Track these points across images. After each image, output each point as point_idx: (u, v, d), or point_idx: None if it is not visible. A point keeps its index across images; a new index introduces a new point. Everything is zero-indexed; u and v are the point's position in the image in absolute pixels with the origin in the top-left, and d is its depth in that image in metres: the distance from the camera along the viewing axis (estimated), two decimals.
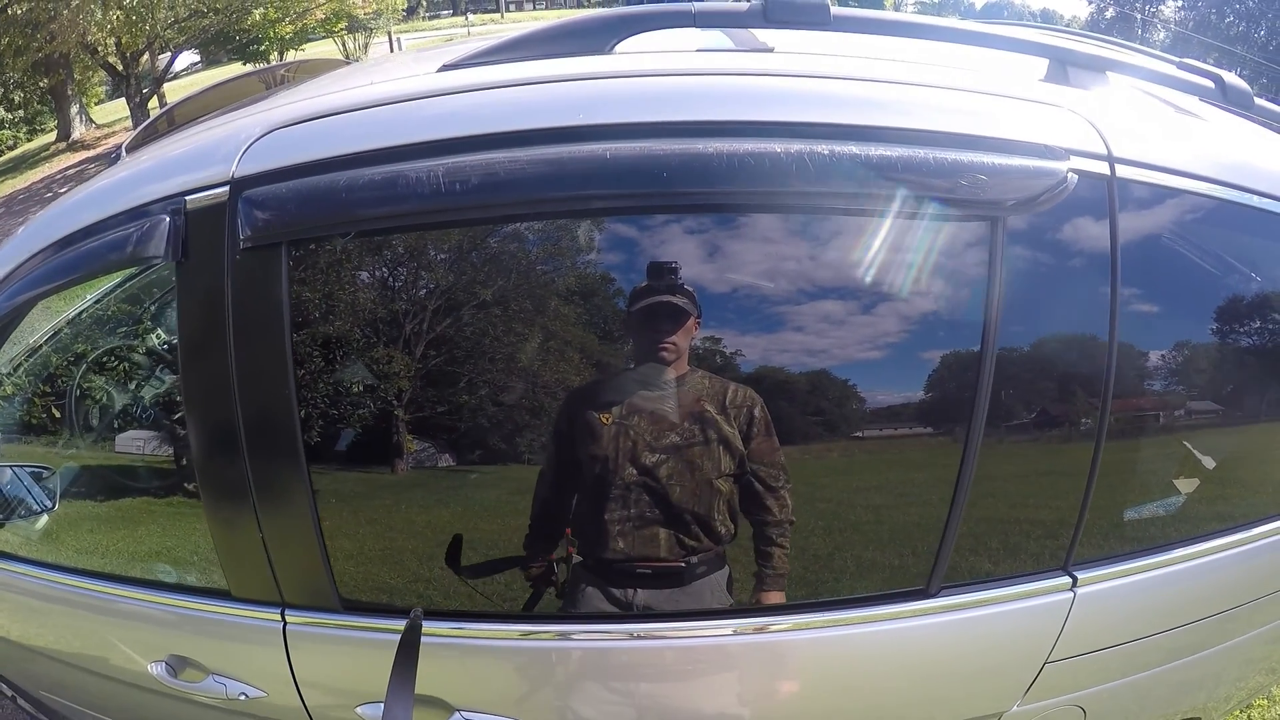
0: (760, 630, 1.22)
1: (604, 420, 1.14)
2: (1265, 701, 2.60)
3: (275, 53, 18.76)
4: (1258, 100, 1.38)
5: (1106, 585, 1.24)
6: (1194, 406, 1.28)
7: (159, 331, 2.01)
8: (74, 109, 22.22)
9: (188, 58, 19.66)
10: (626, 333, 1.15)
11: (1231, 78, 1.36)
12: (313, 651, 1.33)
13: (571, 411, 1.16)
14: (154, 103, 16.51)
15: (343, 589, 1.25)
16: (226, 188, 1.11)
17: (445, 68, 1.19)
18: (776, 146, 0.99)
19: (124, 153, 1.65)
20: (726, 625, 1.23)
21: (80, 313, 2.11)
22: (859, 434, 1.16)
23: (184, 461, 1.55)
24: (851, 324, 1.11)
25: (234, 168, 1.11)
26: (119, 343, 2.02)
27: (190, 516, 1.53)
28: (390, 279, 1.22)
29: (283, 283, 1.10)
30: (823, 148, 1.00)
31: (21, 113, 32.81)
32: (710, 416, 1.13)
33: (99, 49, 15.18)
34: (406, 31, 28.40)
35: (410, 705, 1.11)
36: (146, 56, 16.80)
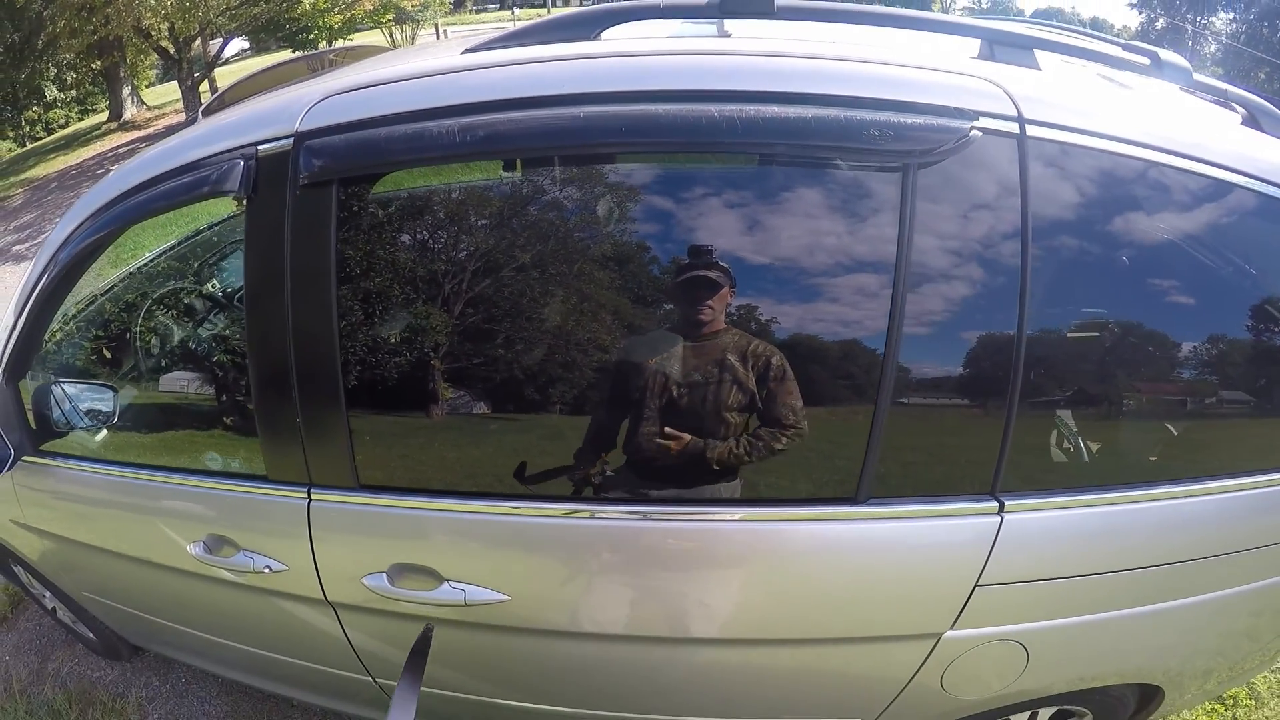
0: (718, 519, 1.44)
1: (651, 362, 1.41)
2: (1251, 702, 2.62)
3: (324, 41, 19.08)
4: (1197, 76, 1.55)
5: (1036, 515, 1.38)
6: (1112, 346, 1.40)
7: (211, 281, 2.41)
8: (126, 90, 22.94)
9: (237, 44, 20.13)
10: (671, 296, 1.40)
11: (1169, 55, 1.53)
12: (331, 526, 1.62)
13: (625, 351, 1.45)
14: (204, 86, 16.89)
15: (362, 471, 1.55)
16: (291, 140, 1.44)
17: (467, 50, 1.50)
18: (713, 108, 1.24)
19: (201, 116, 2.01)
20: (694, 512, 1.45)
21: (142, 263, 2.53)
22: (802, 352, 1.37)
23: (232, 374, 1.96)
24: (804, 258, 1.35)
25: (297, 124, 1.44)
26: (172, 288, 2.46)
27: (236, 415, 1.93)
28: (413, 216, 1.55)
29: (331, 215, 1.42)
30: (754, 109, 1.24)
31: (74, 92, 33.91)
32: (731, 364, 1.37)
33: (153, 33, 15.58)
34: (453, 24, 28.96)
35: (414, 706, 1.37)
36: (199, 42, 17.20)
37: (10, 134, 32.43)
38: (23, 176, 19.14)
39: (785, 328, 1.35)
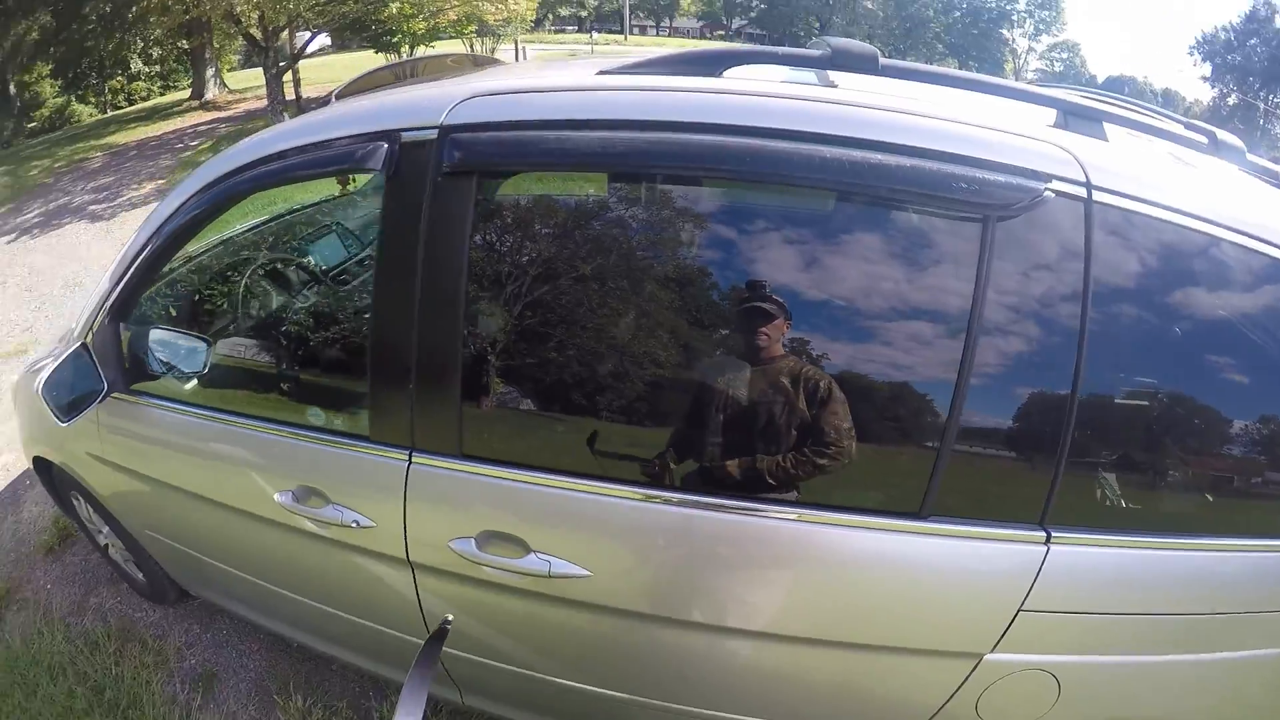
0: (782, 518, 1.55)
1: (721, 378, 1.58)
2: None
3: (406, 46, 19.57)
4: (1251, 158, 1.69)
5: (1080, 550, 1.46)
6: (1161, 410, 1.50)
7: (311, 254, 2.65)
8: (209, 72, 23.77)
9: (319, 40, 20.65)
10: (737, 324, 1.57)
11: (1226, 135, 1.68)
12: (427, 488, 1.75)
13: (704, 366, 1.62)
14: (288, 77, 17.39)
15: (465, 441, 1.70)
16: (436, 131, 1.61)
17: (601, 72, 1.67)
18: (825, 150, 1.41)
19: (334, 98, 2.22)
20: (757, 508, 1.55)
21: (248, 229, 2.75)
22: (877, 379, 1.50)
23: (339, 339, 2.18)
24: (881, 295, 1.48)
25: (443, 118, 1.62)
26: (277, 256, 2.66)
27: (341, 377, 2.14)
28: (541, 216, 1.72)
29: (470, 202, 1.60)
30: (860, 154, 1.39)
31: (158, 68, 35.03)
32: (784, 386, 1.51)
33: (243, 19, 16.09)
34: (531, 42, 29.61)
35: (425, 693, 1.49)
36: (286, 33, 17.71)
37: (92, 100, 33.61)
38: (103, 141, 19.87)
39: (869, 356, 1.49)
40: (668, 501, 1.58)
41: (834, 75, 1.69)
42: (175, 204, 2.09)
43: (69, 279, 9.09)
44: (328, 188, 3.17)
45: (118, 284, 2.24)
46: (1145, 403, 1.48)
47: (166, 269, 2.38)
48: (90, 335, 2.31)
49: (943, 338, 1.44)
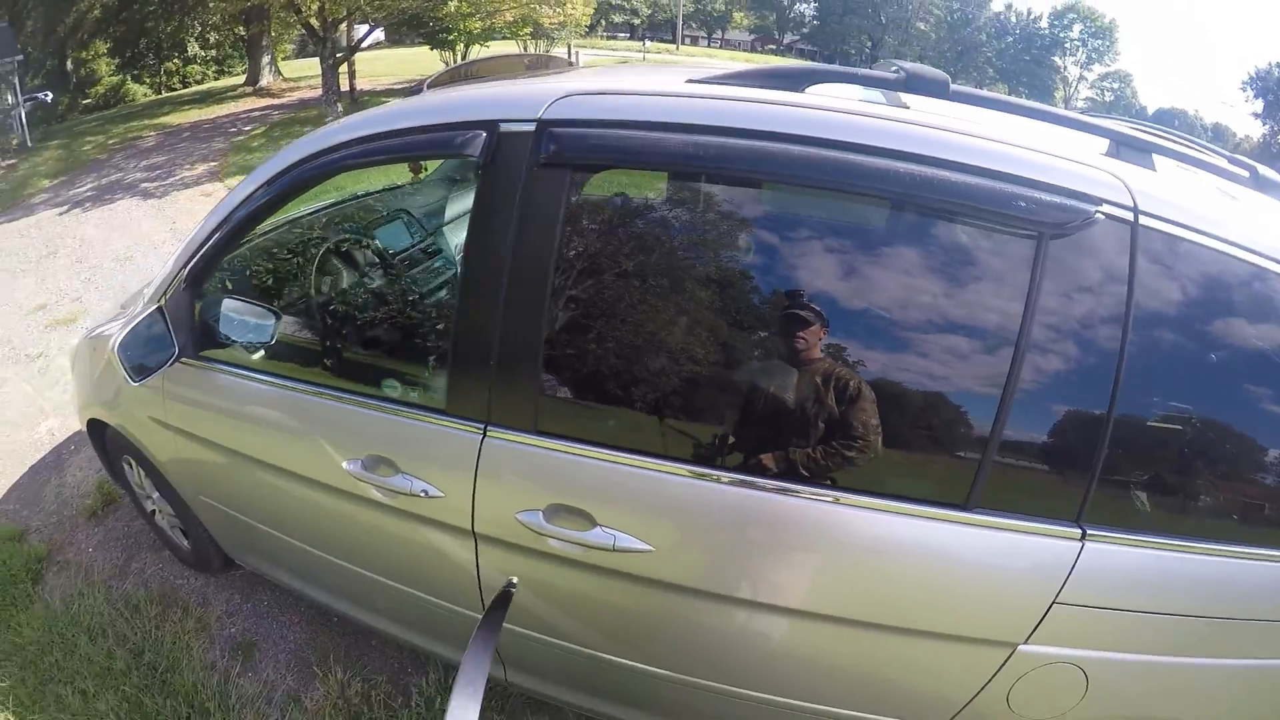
0: (837, 503, 1.63)
1: (773, 377, 1.68)
2: None
3: (461, 44, 19.83)
4: None
5: (1113, 548, 1.56)
6: (1199, 414, 1.58)
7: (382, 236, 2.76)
8: (265, 59, 24.30)
9: (373, 34, 20.99)
10: (780, 328, 1.67)
11: (1267, 170, 1.80)
12: (499, 461, 1.83)
13: (757, 360, 1.73)
14: (343, 68, 17.68)
15: (540, 417, 1.78)
16: (534, 124, 1.70)
17: (690, 80, 1.76)
18: (900, 165, 1.50)
19: (425, 87, 2.31)
20: (811, 492, 1.64)
21: (318, 210, 2.85)
22: (932, 380, 1.59)
23: (414, 317, 2.34)
24: (941, 302, 1.57)
25: (541, 113, 1.71)
26: (349, 237, 2.78)
27: (417, 352, 2.25)
28: (628, 209, 1.81)
29: (563, 193, 1.69)
30: (932, 170, 1.49)
31: (214, 52, 35.64)
32: (816, 385, 1.61)
33: (303, 9, 16.37)
34: (584, 46, 30.01)
35: (489, 660, 1.52)
36: (344, 26, 17.99)
37: (147, 80, 34.29)
38: (156, 121, 20.32)
39: (926, 358, 1.58)
40: (725, 482, 1.67)
41: (906, 97, 1.80)
42: (265, 177, 2.18)
43: (120, 254, 9.33)
44: (396, 175, 3.30)
45: (197, 251, 2.33)
46: (1178, 417, 1.56)
47: (244, 242, 2.47)
48: (165, 299, 2.40)
49: (994, 345, 1.54)
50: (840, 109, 1.60)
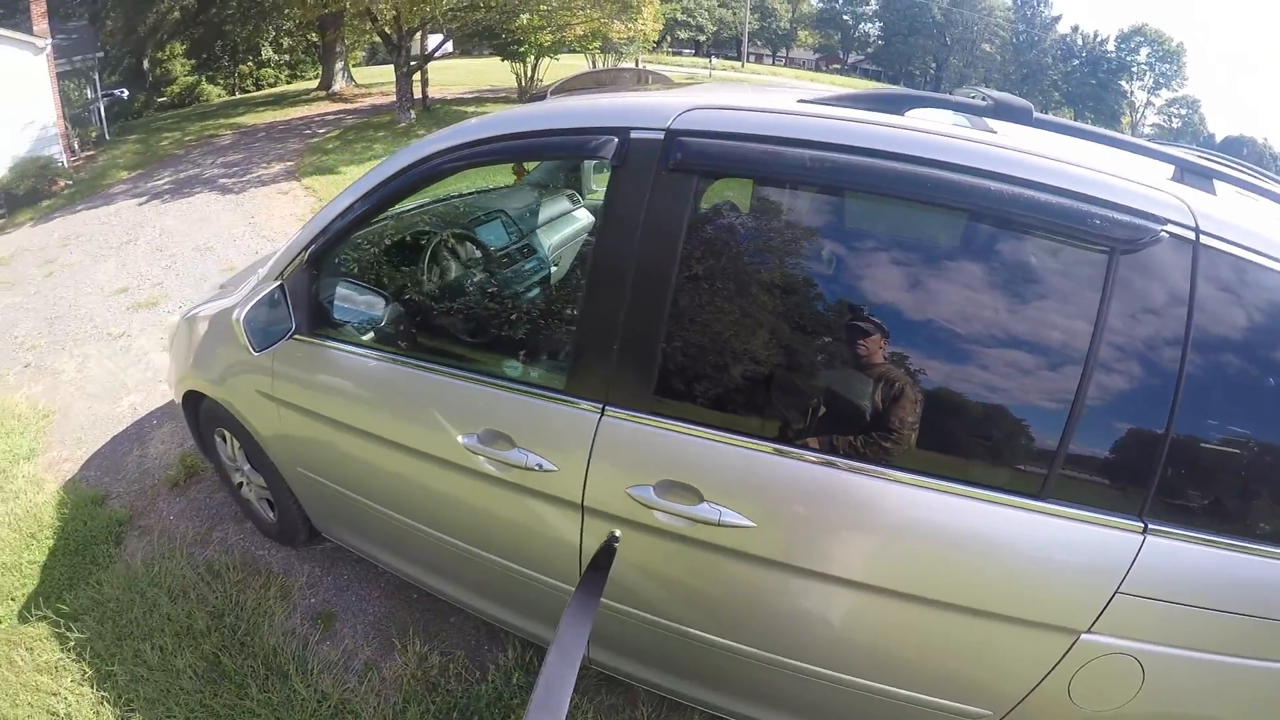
0: (922, 486, 1.75)
1: (861, 377, 1.82)
2: None
3: (532, 56, 20.21)
4: None
5: (1173, 544, 1.65)
6: (1257, 421, 1.66)
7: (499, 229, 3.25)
8: (338, 65, 25.00)
9: (433, 41, 21.48)
10: (875, 327, 1.80)
11: None
12: (614, 439, 1.98)
13: (844, 359, 1.86)
14: (416, 76, 18.09)
15: (657, 399, 1.93)
16: (663, 133, 1.88)
17: (801, 100, 1.92)
18: (991, 184, 1.66)
19: (550, 94, 2.51)
20: (881, 473, 1.77)
21: (422, 206, 3.25)
22: (1012, 381, 1.72)
23: (532, 302, 2.54)
24: (1026, 309, 1.71)
25: (669, 123, 1.89)
26: (458, 230, 3.15)
27: (539, 336, 2.43)
28: (745, 214, 1.98)
29: (689, 196, 1.86)
30: (1017, 190, 1.65)
31: (287, 57, 36.61)
32: (911, 381, 1.76)
33: (378, 18, 16.80)
34: (650, 62, 30.35)
35: (591, 619, 1.59)
36: (419, 35, 18.42)
37: (221, 81, 35.36)
38: (232, 121, 21.12)
39: (1008, 360, 1.71)
40: (822, 464, 1.80)
41: (992, 122, 1.96)
42: (393, 170, 2.35)
43: (200, 244, 9.73)
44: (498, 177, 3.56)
45: (319, 234, 2.52)
46: (1235, 426, 1.66)
47: (364, 228, 2.65)
48: (286, 277, 2.58)
49: (1068, 352, 1.66)
50: (937, 131, 1.75)
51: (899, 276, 1.80)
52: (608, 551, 1.86)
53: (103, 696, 2.85)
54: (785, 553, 1.86)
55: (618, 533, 1.93)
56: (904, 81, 66.93)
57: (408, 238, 3.05)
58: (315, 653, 2.96)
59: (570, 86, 2.66)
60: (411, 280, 2.89)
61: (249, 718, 2.69)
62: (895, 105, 1.88)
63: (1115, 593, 1.67)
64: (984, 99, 1.88)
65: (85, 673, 2.97)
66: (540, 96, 2.50)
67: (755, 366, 1.89)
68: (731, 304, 1.90)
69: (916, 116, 1.85)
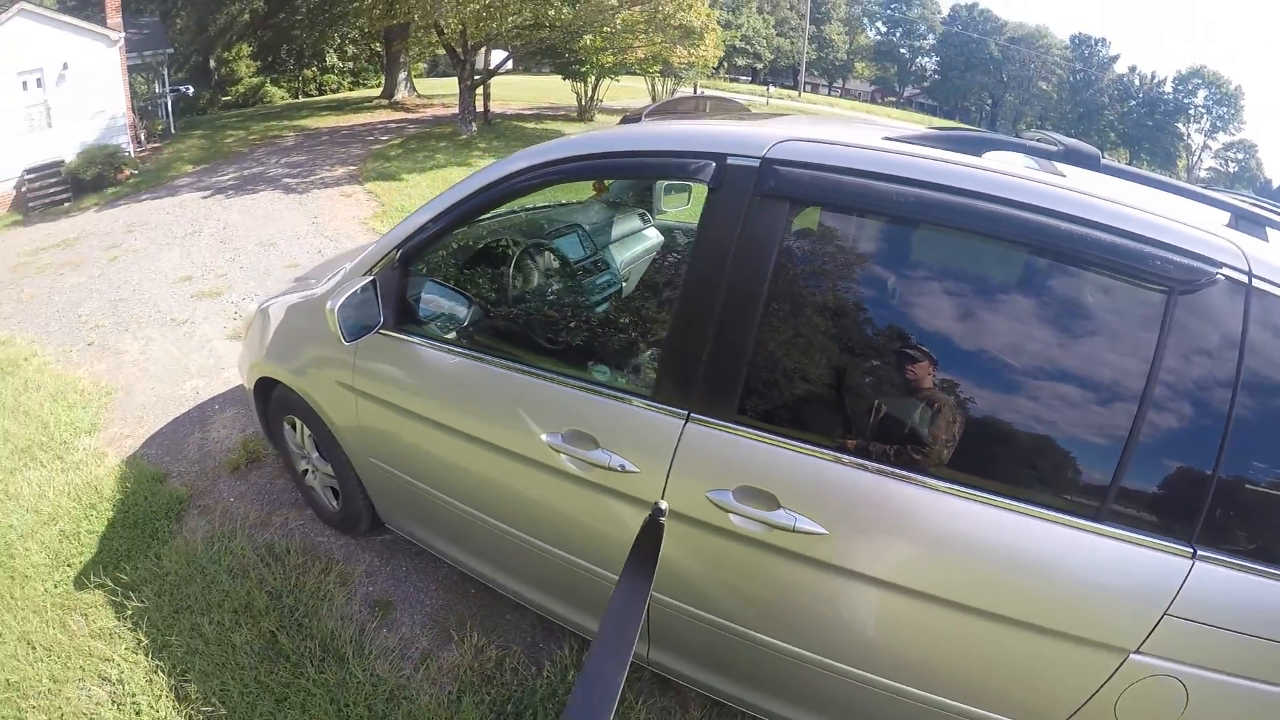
0: (988, 504, 1.82)
1: (933, 396, 1.91)
2: None
3: (593, 76, 20.49)
4: None
5: (1221, 570, 1.70)
6: None
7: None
8: (401, 75, 25.56)
9: (496, 57, 21.88)
10: (921, 357, 1.91)
11: None
12: (697, 444, 2.08)
13: (917, 380, 1.93)
14: (479, 90, 18.44)
15: (741, 408, 2.03)
16: (758, 161, 2.00)
17: (887, 138, 2.02)
18: (1061, 224, 1.76)
19: (644, 116, 2.65)
20: (949, 489, 1.84)
21: (532, 209, 3.43)
22: (1074, 410, 1.80)
23: (631, 313, 2.62)
24: (1089, 342, 1.80)
25: (764, 152, 2.01)
26: (539, 241, 3.32)
27: (627, 342, 2.57)
28: (832, 241, 2.06)
29: (781, 221, 1.98)
30: (1084, 230, 1.75)
31: (350, 65, 37.35)
32: (944, 405, 1.87)
33: (445, 31, 17.15)
34: (707, 87, 30.80)
35: (647, 593, 1.64)
36: (483, 50, 18.77)
37: (284, 84, 36.17)
38: (295, 123, 21.76)
39: (1074, 391, 1.80)
40: (895, 478, 1.88)
41: (1061, 166, 2.05)
42: (491, 179, 2.49)
43: (263, 240, 10.05)
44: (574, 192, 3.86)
45: (412, 235, 2.66)
46: None
47: (455, 232, 2.77)
48: (376, 273, 2.70)
49: (1127, 382, 1.74)
50: (1012, 173, 1.86)
51: (974, 306, 1.90)
52: (654, 531, 1.87)
53: (157, 666, 2.96)
54: (854, 560, 1.94)
55: (664, 504, 1.95)
56: (959, 117, 67.27)
57: (492, 244, 3.19)
58: (372, 639, 3.04)
59: (664, 111, 2.78)
60: (496, 285, 3.03)
61: (303, 696, 2.77)
62: (973, 147, 1.99)
63: (1164, 614, 1.72)
64: (1055, 144, 2.01)
65: (141, 642, 3.08)
66: (636, 119, 2.62)
67: (834, 383, 2.00)
68: (815, 324, 2.00)
69: (993, 158, 1.94)
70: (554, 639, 3.04)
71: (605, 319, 2.80)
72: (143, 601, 3.25)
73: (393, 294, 2.68)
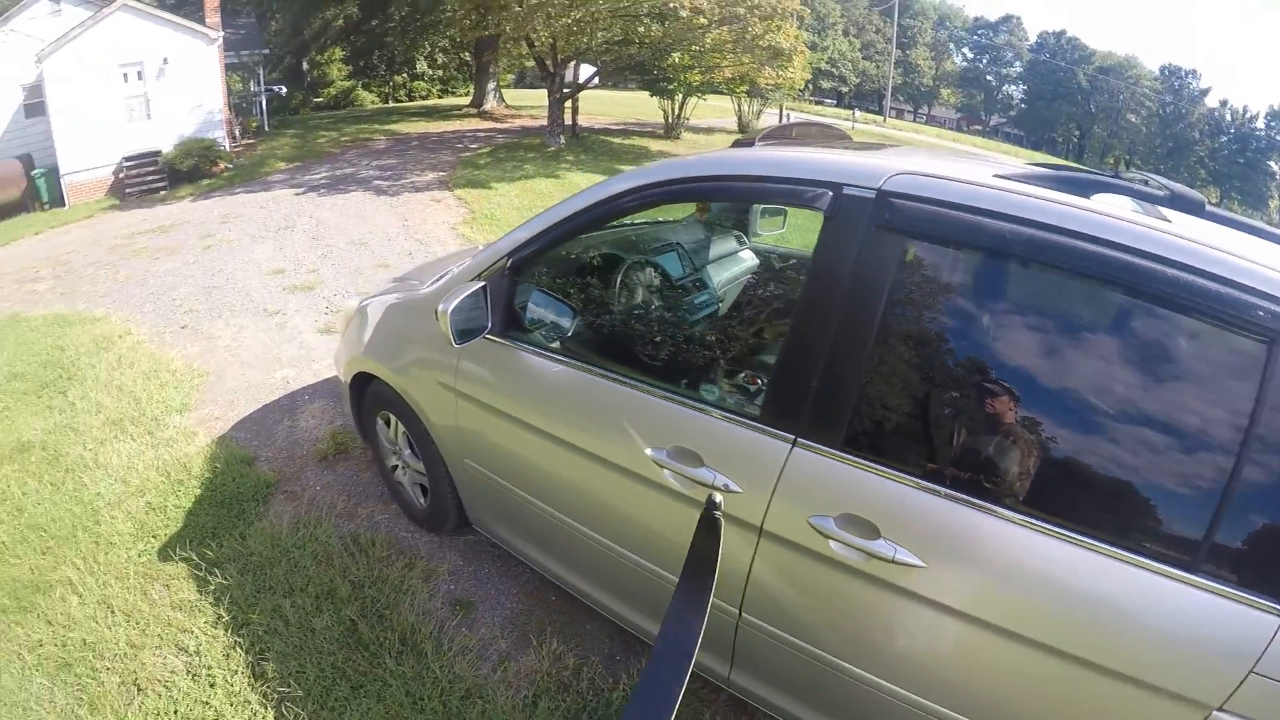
0: (1084, 547, 1.78)
1: (1040, 436, 1.90)
2: None
3: (680, 94, 20.61)
4: None
5: None
6: None
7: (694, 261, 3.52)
8: (490, 85, 26.01)
9: (587, 71, 22.17)
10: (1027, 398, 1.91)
11: None
12: (803, 470, 2.09)
13: (1023, 420, 1.93)
14: (568, 103, 18.72)
15: (848, 437, 2.03)
16: (874, 193, 2.02)
17: (997, 175, 2.02)
18: (1168, 270, 1.73)
19: (758, 142, 2.66)
20: (1048, 530, 1.81)
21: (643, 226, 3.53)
22: (1175, 460, 1.76)
23: (737, 334, 2.67)
24: (1185, 398, 1.77)
25: (881, 184, 2.03)
26: (644, 257, 3.41)
27: (738, 365, 2.59)
28: (945, 275, 2.05)
29: (896, 253, 1.99)
30: (1188, 277, 1.73)
31: (439, 73, 38.19)
32: (1048, 446, 1.86)
33: (536, 44, 17.44)
34: (793, 109, 30.82)
35: (710, 594, 1.62)
36: (572, 64, 19.04)
37: (375, 89, 37.17)
38: (386, 127, 22.45)
39: (1174, 439, 1.76)
40: (995, 516, 1.86)
41: (1166, 211, 2.02)
42: (608, 193, 2.55)
43: (355, 238, 10.38)
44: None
45: (524, 243, 2.74)
46: None
47: (566, 244, 2.86)
48: (487, 279, 2.78)
49: (1227, 432, 1.70)
50: (1119, 217, 1.85)
51: (1079, 349, 1.89)
52: (712, 527, 1.86)
53: (236, 642, 3.06)
54: (947, 594, 1.92)
55: (718, 497, 1.95)
56: (1046, 149, 65.49)
57: (596, 258, 3.25)
58: (452, 636, 3.08)
59: (775, 136, 2.81)
60: (602, 298, 3.09)
61: (379, 686, 2.83)
62: (1083, 188, 1.97)
63: (1249, 672, 1.66)
64: (1161, 188, 2.01)
65: (221, 617, 3.19)
66: (749, 143, 2.64)
67: (942, 417, 2.00)
68: (924, 357, 2.00)
69: (1100, 200, 1.94)
70: (633, 652, 3.05)
71: (707, 338, 2.84)
72: (226, 579, 3.36)
73: (501, 300, 2.76)
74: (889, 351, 2.01)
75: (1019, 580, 1.85)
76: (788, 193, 2.22)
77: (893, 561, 1.93)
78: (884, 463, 1.98)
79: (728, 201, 2.66)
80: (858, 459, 2.01)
